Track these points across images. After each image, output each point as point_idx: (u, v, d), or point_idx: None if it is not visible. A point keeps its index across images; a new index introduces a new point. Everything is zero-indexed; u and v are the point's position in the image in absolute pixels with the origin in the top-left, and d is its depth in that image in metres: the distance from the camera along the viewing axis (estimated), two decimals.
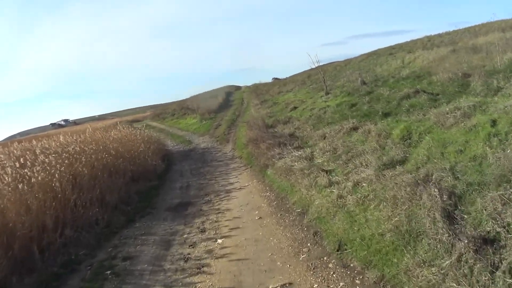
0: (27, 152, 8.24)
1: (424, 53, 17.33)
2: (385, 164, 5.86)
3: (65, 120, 57.89)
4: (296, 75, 31.86)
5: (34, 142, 9.63)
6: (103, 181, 7.88)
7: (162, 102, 31.50)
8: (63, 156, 7.69)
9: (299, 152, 8.39)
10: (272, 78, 34.78)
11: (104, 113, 67.45)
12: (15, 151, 9.00)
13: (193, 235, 5.87)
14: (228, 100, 27.62)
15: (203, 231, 5.97)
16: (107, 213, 7.32)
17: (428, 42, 21.97)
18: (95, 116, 65.13)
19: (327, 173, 6.50)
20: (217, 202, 7.39)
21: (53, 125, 55.26)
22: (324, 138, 9.12)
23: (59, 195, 6.85)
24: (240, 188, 8.00)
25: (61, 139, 9.21)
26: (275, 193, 6.99)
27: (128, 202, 8.07)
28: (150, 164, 10.11)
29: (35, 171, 6.84)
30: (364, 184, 5.54)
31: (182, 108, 26.47)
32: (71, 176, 7.36)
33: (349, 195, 5.40)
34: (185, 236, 5.92)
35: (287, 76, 33.64)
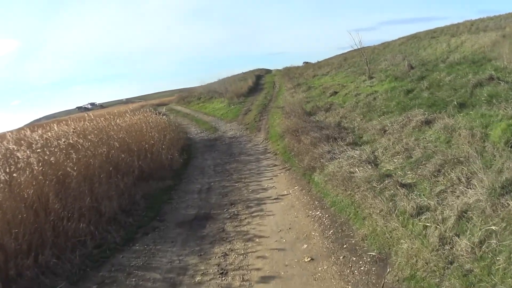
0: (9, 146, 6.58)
1: (472, 37, 15.29)
2: (503, 185, 3.64)
3: (92, 104, 57.56)
4: (331, 58, 29.02)
5: (28, 132, 8.01)
6: (99, 183, 6.10)
7: (190, 86, 29.63)
8: (49, 152, 5.94)
9: (357, 152, 6.24)
10: (303, 62, 32.18)
11: (132, 96, 66.78)
12: (6, 144, 7.45)
13: (210, 279, 3.93)
14: (258, 84, 25.38)
15: (224, 273, 4.00)
16: (101, 226, 5.59)
17: (472, 26, 19.50)
18: (122, 99, 64.63)
19: (408, 191, 4.31)
20: (245, 218, 5.41)
21: (79, 109, 54.64)
22: (385, 133, 7.00)
23: (35, 205, 5.16)
24: (277, 198, 5.96)
25: (55, 128, 7.50)
26: (330, 214, 4.86)
27: (131, 210, 6.28)
28: (165, 159, 8.26)
29: (3, 172, 5.14)
30: (474, 217, 3.36)
31: (209, 92, 24.51)
32: (55, 179, 5.60)
33: (457, 238, 3.23)
34: (197, 278, 3.98)
35: (318, 60, 30.81)
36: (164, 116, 11.83)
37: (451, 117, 6.32)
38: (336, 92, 13.38)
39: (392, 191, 4.40)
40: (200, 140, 12.21)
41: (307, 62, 32.21)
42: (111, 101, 61.56)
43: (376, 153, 6.15)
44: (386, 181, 4.66)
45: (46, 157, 5.82)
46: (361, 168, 5.38)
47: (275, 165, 7.79)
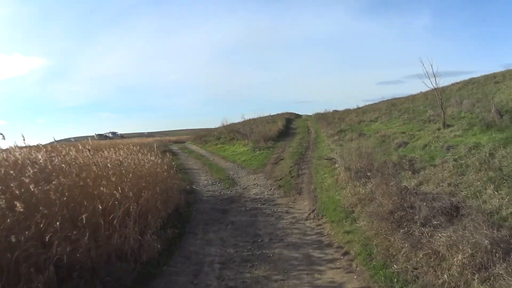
0: None
1: None
2: None
3: (113, 133, 55.00)
4: (376, 104, 25.06)
5: None
6: None
7: (215, 126, 26.06)
8: None
9: None
10: (333, 110, 28.48)
11: (155, 130, 65.09)
12: None
13: None
14: (289, 127, 21.49)
15: None
16: None
17: None
18: (144, 132, 63.01)
19: None
20: None
21: (100, 136, 51.67)
22: None
23: None
24: None
25: None
26: None
27: None
28: (126, 240, 4.14)
29: None
30: None
31: (230, 132, 20.66)
32: None
33: None
34: None
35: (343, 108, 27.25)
36: (154, 157, 7.82)
37: None
38: (406, 143, 9.98)
39: None
40: (209, 197, 8.06)
41: (336, 110, 28.42)
42: (133, 133, 59.74)
43: None
44: None
45: None
46: None
47: None
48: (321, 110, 29.79)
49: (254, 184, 8.96)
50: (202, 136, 24.10)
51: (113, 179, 4.78)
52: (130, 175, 5.18)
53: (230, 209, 6.86)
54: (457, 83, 22.14)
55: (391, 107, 19.36)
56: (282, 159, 11.46)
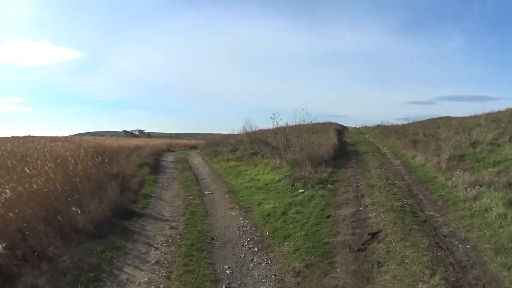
0: None
1: None
2: None
3: (140, 131, 53.81)
4: (461, 119, 16.77)
5: None
6: None
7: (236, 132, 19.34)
8: None
9: None
10: (376, 125, 21.69)
11: (183, 132, 62.04)
12: None
13: None
14: (344, 143, 13.89)
15: None
16: None
17: None
18: (172, 133, 60.40)
19: None
20: None
21: (126, 133, 50.82)
22: None
23: None
24: None
25: None
26: None
27: None
28: None
29: None
30: None
31: (254, 141, 13.50)
32: None
33: None
34: None
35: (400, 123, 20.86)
36: None
37: None
38: None
39: None
40: None
41: (379, 125, 21.31)
42: (161, 132, 58.30)
43: None
44: None
45: None
46: None
47: None
48: (355, 125, 23.62)
49: None
50: (214, 144, 16.89)
51: None
52: None
53: None
54: None
55: (495, 123, 11.36)
56: (377, 233, 4.16)
